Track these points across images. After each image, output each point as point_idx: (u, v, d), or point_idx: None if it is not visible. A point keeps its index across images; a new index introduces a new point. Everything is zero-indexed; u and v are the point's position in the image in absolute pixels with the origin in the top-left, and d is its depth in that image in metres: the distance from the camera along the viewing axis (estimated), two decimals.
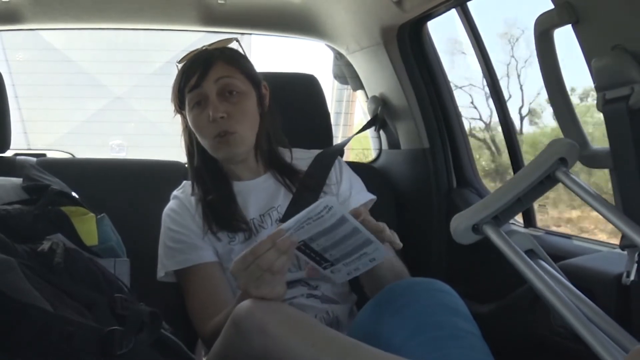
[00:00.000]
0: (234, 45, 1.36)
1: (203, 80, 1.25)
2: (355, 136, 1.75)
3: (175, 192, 1.36)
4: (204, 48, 1.33)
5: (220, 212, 1.27)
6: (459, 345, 0.90)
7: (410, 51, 1.57)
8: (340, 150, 1.47)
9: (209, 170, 1.32)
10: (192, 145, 1.33)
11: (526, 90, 3.28)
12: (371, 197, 1.37)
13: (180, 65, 1.32)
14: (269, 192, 1.32)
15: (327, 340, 0.90)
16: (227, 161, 1.31)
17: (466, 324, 0.99)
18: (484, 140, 3.49)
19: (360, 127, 1.81)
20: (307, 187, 1.31)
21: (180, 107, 1.31)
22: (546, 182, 0.98)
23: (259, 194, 1.32)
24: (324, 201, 0.89)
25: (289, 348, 0.88)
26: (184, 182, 1.38)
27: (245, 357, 0.91)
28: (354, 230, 0.92)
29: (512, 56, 3.21)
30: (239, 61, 1.31)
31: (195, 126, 1.28)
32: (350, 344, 0.90)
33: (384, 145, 1.81)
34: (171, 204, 1.34)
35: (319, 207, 0.89)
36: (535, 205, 1.46)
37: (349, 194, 1.34)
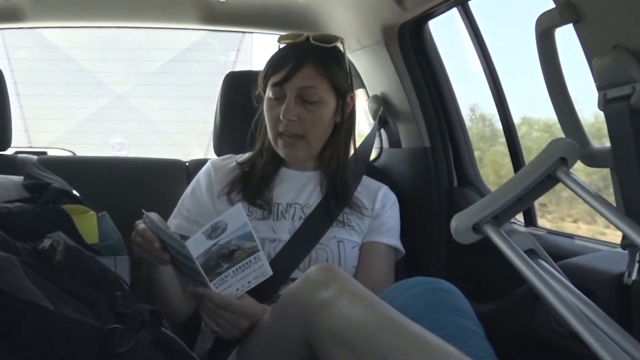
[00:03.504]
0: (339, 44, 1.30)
1: (286, 82, 1.25)
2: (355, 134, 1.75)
3: (213, 159, 1.42)
4: (304, 37, 1.28)
5: (252, 184, 1.30)
6: (463, 345, 0.90)
7: (412, 50, 1.56)
8: (367, 161, 1.52)
9: (268, 151, 1.34)
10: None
11: None
12: (396, 246, 1.36)
13: (279, 45, 1.31)
14: (306, 188, 1.34)
15: (379, 303, 0.91)
16: (285, 158, 1.33)
17: (471, 323, 0.99)
18: None
19: (360, 125, 1.81)
20: (336, 196, 1.32)
21: (263, 88, 1.32)
22: (546, 181, 0.97)
23: (293, 184, 1.34)
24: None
25: (346, 302, 0.90)
26: (230, 155, 1.43)
27: (307, 304, 0.93)
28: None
29: None
30: (330, 68, 1.27)
31: (267, 115, 1.30)
32: (408, 322, 0.88)
33: (385, 144, 1.80)
34: (200, 172, 1.38)
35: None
36: (536, 204, 1.46)
37: (377, 229, 1.34)
